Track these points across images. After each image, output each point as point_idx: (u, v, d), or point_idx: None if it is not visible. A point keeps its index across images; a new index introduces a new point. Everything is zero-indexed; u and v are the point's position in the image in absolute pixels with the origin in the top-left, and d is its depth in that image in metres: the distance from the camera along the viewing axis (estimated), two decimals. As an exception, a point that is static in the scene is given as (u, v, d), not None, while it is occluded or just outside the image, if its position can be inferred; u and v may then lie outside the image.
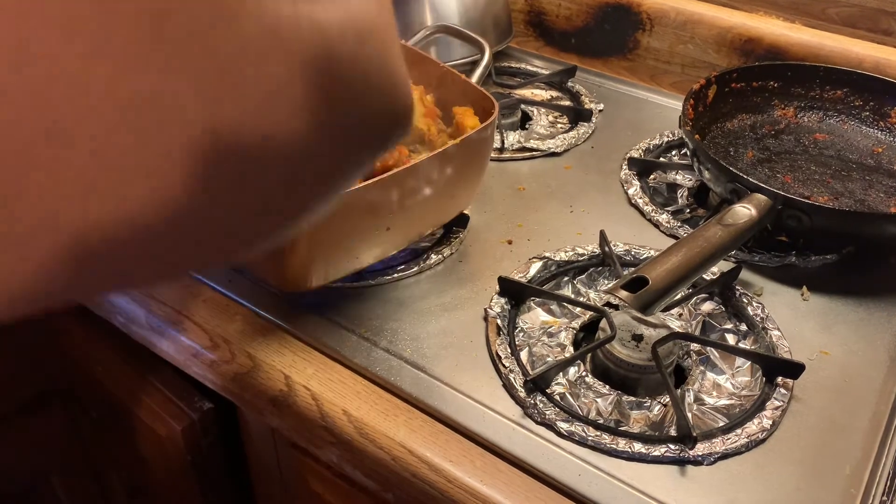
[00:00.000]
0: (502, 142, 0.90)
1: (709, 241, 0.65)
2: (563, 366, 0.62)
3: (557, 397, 0.61)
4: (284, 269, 0.63)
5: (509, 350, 0.64)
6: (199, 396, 0.72)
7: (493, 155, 0.89)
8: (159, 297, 0.69)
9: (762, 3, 0.97)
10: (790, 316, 0.69)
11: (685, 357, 0.66)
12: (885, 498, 0.54)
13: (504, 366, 0.63)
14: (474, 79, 0.78)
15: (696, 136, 0.79)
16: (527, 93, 1.03)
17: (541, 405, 0.59)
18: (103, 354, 0.78)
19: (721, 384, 0.64)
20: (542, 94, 1.04)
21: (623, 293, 0.58)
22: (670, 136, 0.93)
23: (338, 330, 0.66)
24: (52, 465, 0.93)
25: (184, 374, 0.70)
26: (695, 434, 0.57)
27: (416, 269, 0.73)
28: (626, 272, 0.71)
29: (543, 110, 0.99)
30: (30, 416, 0.88)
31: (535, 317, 0.69)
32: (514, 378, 0.61)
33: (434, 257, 0.74)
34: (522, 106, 0.98)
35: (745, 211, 0.69)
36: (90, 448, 0.90)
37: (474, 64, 0.81)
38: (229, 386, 0.65)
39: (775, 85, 0.91)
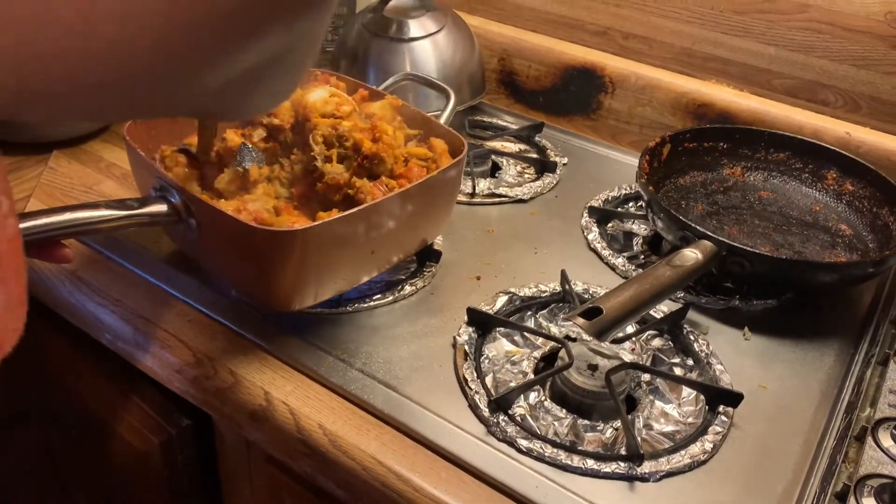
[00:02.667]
0: (474, 187, 0.97)
1: (658, 280, 0.71)
2: (524, 388, 0.68)
3: (518, 418, 0.66)
4: (274, 289, 0.68)
5: (475, 374, 0.69)
6: (177, 412, 0.76)
7: (465, 199, 0.95)
8: (147, 315, 0.73)
9: (714, 72, 1.06)
10: (732, 353, 0.76)
11: (636, 388, 0.71)
12: (812, 516, 0.60)
13: (470, 388, 0.67)
14: (442, 119, 0.85)
15: (651, 188, 0.87)
16: (497, 145, 1.10)
17: (503, 423, 0.64)
18: (84, 371, 0.81)
19: (668, 412, 0.70)
20: (512, 146, 1.11)
21: (580, 320, 0.64)
22: (628, 189, 1.01)
23: (316, 351, 0.70)
24: (20, 482, 0.94)
25: (163, 391, 0.74)
26: (642, 453, 0.62)
27: (390, 298, 0.78)
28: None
29: (512, 161, 1.06)
30: (5, 433, 0.90)
31: (500, 346, 0.75)
32: (479, 399, 0.66)
33: (408, 288, 0.79)
34: (493, 156, 1.05)
35: (691, 255, 0.75)
36: (61, 466, 0.92)
37: (443, 108, 0.88)
38: (211, 400, 0.68)
39: (725, 146, 1.00)
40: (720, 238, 0.77)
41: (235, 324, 0.73)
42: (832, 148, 0.96)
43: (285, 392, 0.67)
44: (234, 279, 0.73)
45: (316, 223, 0.64)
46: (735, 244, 0.77)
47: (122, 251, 0.81)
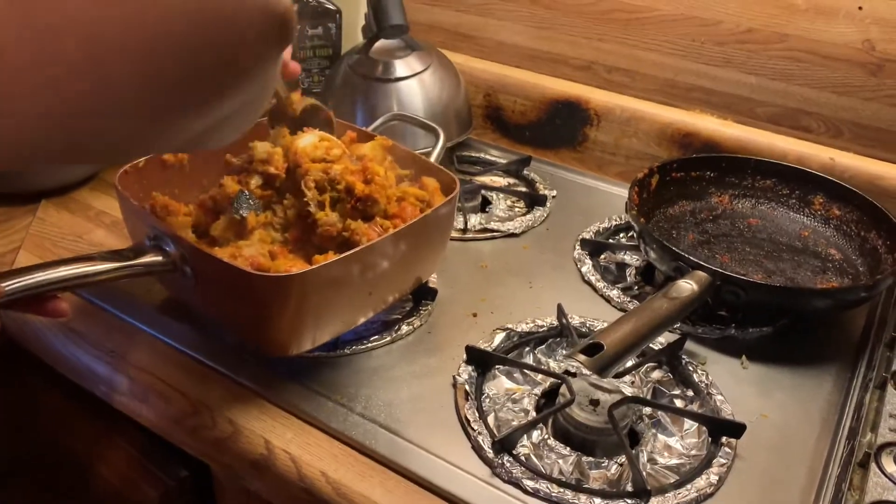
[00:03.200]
0: (465, 223, 0.97)
1: (656, 312, 0.71)
2: (528, 428, 0.67)
3: (523, 458, 0.66)
4: (272, 334, 0.67)
5: (477, 414, 0.69)
6: (175, 463, 0.74)
7: (456, 235, 0.96)
8: (142, 365, 0.73)
9: (698, 102, 1.08)
10: (732, 383, 0.76)
11: (638, 421, 0.71)
12: (821, 546, 0.60)
13: (473, 429, 0.67)
14: (433, 158, 0.85)
15: (642, 220, 0.87)
16: (486, 179, 1.11)
17: (508, 465, 0.64)
18: (78, 424, 0.80)
19: (672, 445, 0.69)
20: (500, 180, 1.12)
21: (581, 357, 0.63)
22: (618, 220, 1.02)
23: (315, 397, 0.70)
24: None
25: (158, 441, 0.73)
26: (649, 489, 0.62)
27: (388, 339, 0.77)
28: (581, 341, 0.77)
29: (502, 195, 1.06)
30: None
31: (500, 384, 0.74)
32: (483, 440, 0.66)
33: (405, 328, 0.79)
34: (483, 191, 1.06)
35: (687, 286, 0.76)
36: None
37: (432, 145, 0.89)
38: (210, 451, 0.67)
39: (711, 175, 1.01)
40: (714, 268, 0.78)
41: (233, 371, 0.72)
42: (817, 174, 0.97)
43: (286, 440, 0.66)
44: (231, 325, 0.72)
45: (313, 267, 0.64)
46: (729, 273, 0.77)
47: (114, 301, 0.80)
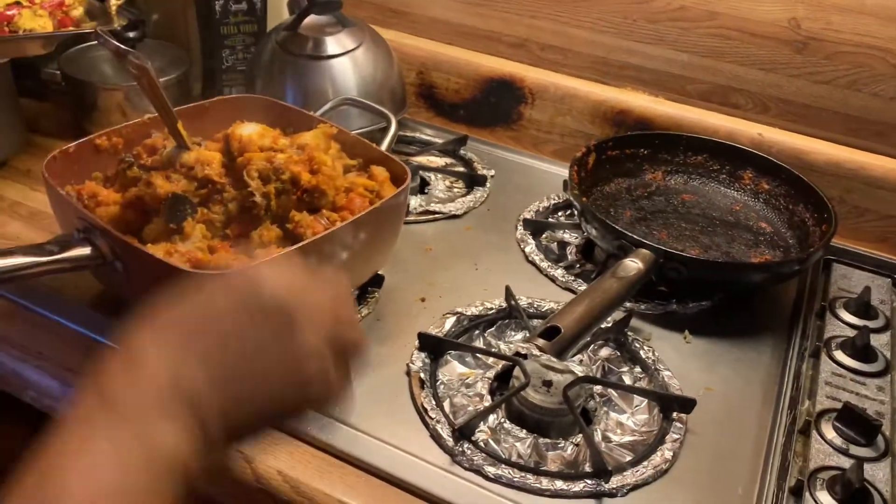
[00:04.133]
0: (407, 205, 0.95)
1: (607, 293, 0.72)
2: (485, 414, 0.67)
3: (482, 444, 0.65)
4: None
5: (434, 402, 0.68)
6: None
7: (398, 218, 0.94)
8: (75, 367, 0.68)
9: (630, 80, 1.09)
10: (677, 357, 0.77)
11: (589, 399, 0.72)
12: (771, 513, 0.62)
13: (430, 417, 0.66)
14: (383, 146, 0.83)
15: (584, 199, 0.88)
16: (423, 160, 1.09)
17: (468, 452, 0.63)
18: (5, 433, 0.75)
19: (623, 422, 0.70)
20: (438, 160, 1.10)
21: (541, 341, 0.63)
22: (556, 198, 1.02)
23: (265, 392, 0.67)
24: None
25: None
26: (610, 469, 0.63)
27: (336, 329, 0.75)
28: (532, 323, 0.77)
29: (440, 175, 1.05)
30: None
31: (453, 369, 0.74)
32: (441, 428, 0.65)
33: (352, 317, 0.77)
34: (420, 172, 1.04)
35: (633, 265, 0.77)
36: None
37: (382, 132, 0.86)
38: (156, 455, 0.64)
39: (645, 152, 1.02)
40: (656, 245, 0.79)
41: (175, 370, 0.69)
42: (747, 149, 1.00)
43: (238, 439, 0.63)
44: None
45: (253, 263, 0.61)
46: (672, 251, 0.79)
47: (38, 298, 0.75)
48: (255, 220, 0.68)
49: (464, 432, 0.65)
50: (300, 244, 0.63)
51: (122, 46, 0.68)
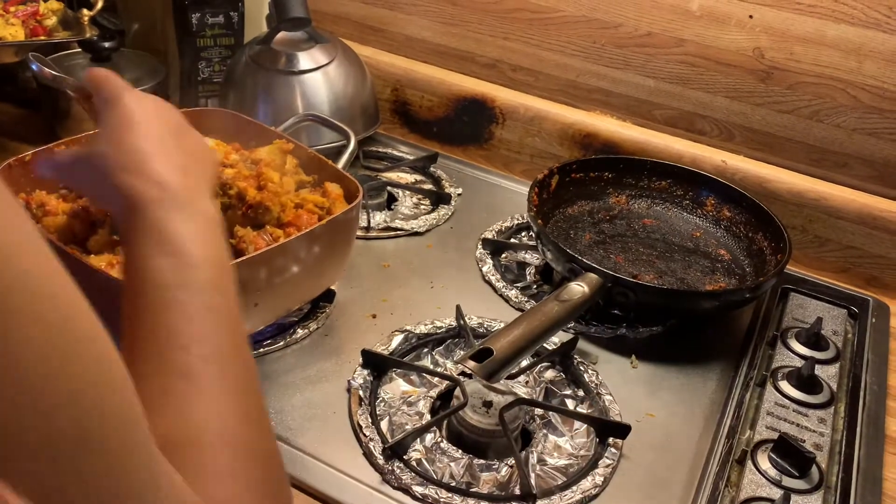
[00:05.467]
0: (369, 221, 0.97)
1: (547, 315, 0.72)
2: (419, 433, 0.67)
3: (414, 463, 0.66)
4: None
5: (370, 419, 0.68)
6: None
7: (360, 233, 0.95)
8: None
9: (598, 103, 1.10)
10: (621, 382, 0.78)
11: (531, 421, 0.72)
12: (698, 542, 0.62)
13: (365, 435, 0.67)
14: (340, 164, 0.84)
15: (540, 222, 0.88)
16: (393, 175, 1.10)
17: (398, 471, 0.64)
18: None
19: (561, 445, 0.71)
20: (407, 177, 1.11)
21: (471, 363, 0.64)
22: (520, 218, 1.03)
23: (203, 404, 0.68)
24: None
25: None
26: (535, 492, 0.63)
27: (282, 343, 0.76)
28: (477, 343, 0.78)
29: (408, 192, 1.06)
30: None
31: (397, 387, 0.74)
32: (374, 446, 0.66)
33: (300, 332, 0.78)
34: (389, 188, 1.05)
35: (578, 288, 0.77)
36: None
37: (342, 149, 0.87)
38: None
39: (609, 175, 1.03)
40: (605, 270, 0.80)
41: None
42: (710, 176, 1.01)
43: (171, 450, 0.64)
44: (114, 335, 0.69)
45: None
46: (619, 276, 0.79)
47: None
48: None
49: (396, 451, 0.65)
50: (237, 260, 0.64)
51: (56, 74, 0.70)
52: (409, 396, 0.73)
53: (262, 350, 0.75)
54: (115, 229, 0.67)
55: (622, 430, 0.70)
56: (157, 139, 0.52)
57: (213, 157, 0.58)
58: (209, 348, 0.42)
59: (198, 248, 0.46)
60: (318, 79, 1.06)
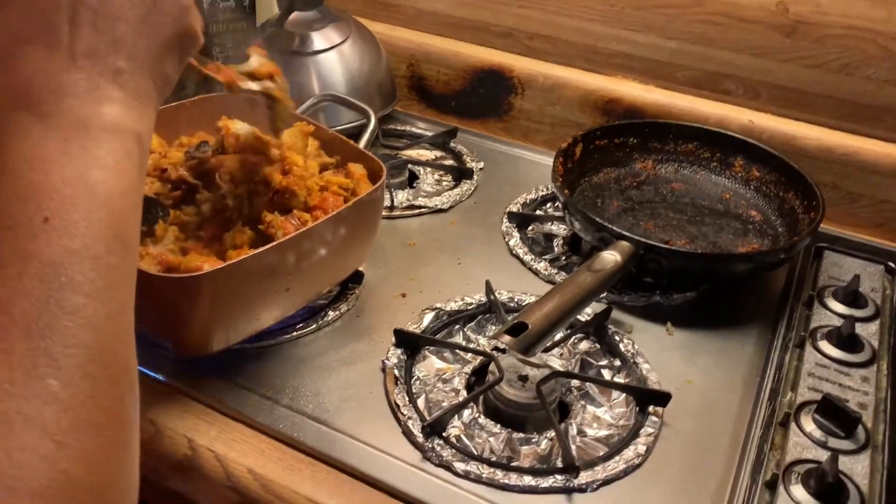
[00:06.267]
0: (392, 200, 0.96)
1: (580, 286, 0.71)
2: (457, 409, 0.67)
3: (454, 439, 0.66)
4: (186, 335, 0.65)
5: (407, 398, 0.68)
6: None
7: (384, 213, 0.94)
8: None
9: (620, 68, 1.08)
10: (658, 350, 0.77)
11: (567, 393, 0.72)
12: (745, 507, 0.61)
13: (403, 413, 0.66)
14: (362, 143, 0.83)
15: (566, 191, 0.87)
16: (413, 153, 1.09)
17: (438, 448, 0.63)
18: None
19: (600, 416, 0.70)
20: (427, 154, 1.10)
21: (506, 338, 0.63)
22: (545, 190, 1.01)
23: (239, 391, 0.68)
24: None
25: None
26: (578, 464, 0.62)
27: (314, 326, 0.76)
28: (510, 318, 0.77)
29: (429, 169, 1.05)
30: None
31: (430, 365, 0.74)
32: (413, 424, 0.65)
33: (332, 314, 0.77)
34: (409, 166, 1.04)
35: (611, 257, 0.76)
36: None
37: (362, 128, 0.86)
38: (132, 454, 0.65)
39: (635, 141, 1.01)
40: (637, 237, 0.78)
41: (152, 368, 0.70)
42: (737, 136, 0.98)
43: (210, 437, 0.64)
44: (143, 326, 0.69)
45: (220, 265, 0.61)
46: (652, 242, 0.78)
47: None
48: (228, 221, 0.69)
49: (435, 428, 0.65)
50: (268, 246, 0.63)
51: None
52: (444, 373, 0.73)
53: (295, 334, 0.74)
54: (142, 219, 0.66)
55: (662, 398, 0.69)
56: None
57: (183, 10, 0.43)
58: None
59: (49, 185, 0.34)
60: (333, 58, 1.05)
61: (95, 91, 0.37)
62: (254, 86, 0.68)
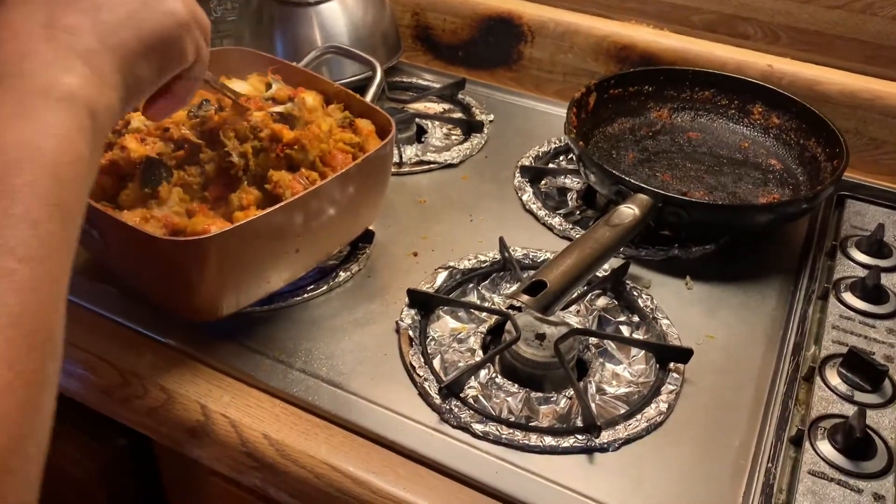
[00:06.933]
0: (400, 156, 0.93)
1: (598, 242, 0.69)
2: (474, 370, 0.66)
3: (471, 400, 0.64)
4: (194, 299, 0.64)
5: (422, 359, 0.67)
6: (111, 432, 0.71)
7: (393, 170, 0.91)
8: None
9: (633, 12, 1.04)
10: (677, 305, 0.75)
11: (585, 350, 0.70)
12: (770, 465, 0.60)
13: (418, 375, 0.65)
14: (368, 97, 0.80)
15: (581, 143, 0.84)
16: (420, 106, 1.06)
17: (456, 409, 0.62)
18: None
19: (619, 373, 0.69)
20: (435, 106, 1.07)
21: (524, 297, 0.61)
22: (557, 142, 0.98)
23: (251, 355, 0.67)
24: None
25: (90, 410, 0.69)
26: (599, 423, 0.61)
27: (325, 287, 0.74)
28: (525, 275, 0.75)
29: (437, 123, 1.02)
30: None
31: (445, 325, 0.72)
32: (429, 386, 0.64)
33: (343, 275, 0.76)
34: (417, 120, 1.01)
35: (629, 211, 0.74)
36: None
37: (367, 81, 0.83)
38: (145, 421, 0.64)
39: (650, 89, 0.98)
40: (655, 189, 0.76)
41: (161, 334, 0.68)
42: (756, 82, 0.95)
43: (223, 403, 0.63)
44: (150, 291, 0.68)
45: (227, 228, 0.59)
46: (670, 195, 0.76)
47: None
48: (233, 181, 0.66)
49: (452, 389, 0.64)
50: (275, 207, 0.61)
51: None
52: (459, 333, 0.71)
53: (306, 296, 0.73)
54: (145, 180, 0.64)
55: (684, 355, 0.67)
56: None
57: None
58: None
59: None
60: (336, 8, 1.01)
61: (60, 62, 0.37)
62: (279, 109, 0.69)
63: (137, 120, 0.68)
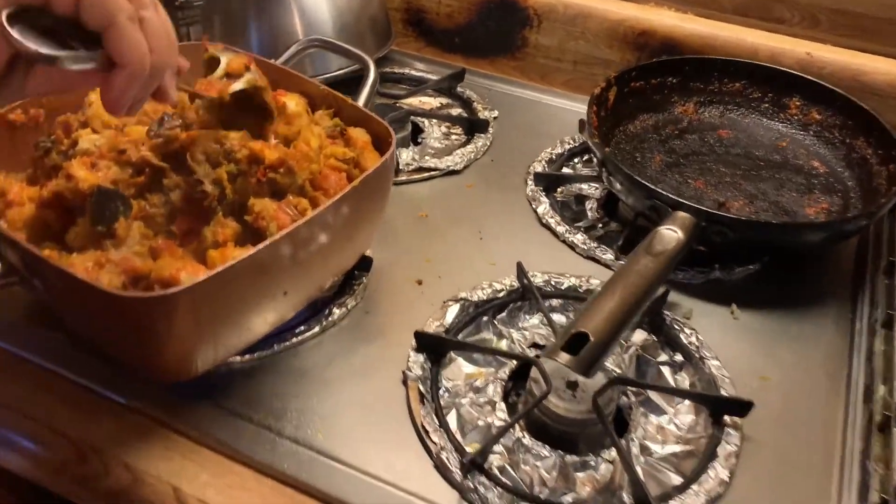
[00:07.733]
0: (397, 164, 0.82)
1: (642, 276, 0.59)
2: (499, 437, 0.55)
3: (496, 471, 0.54)
4: (163, 358, 0.52)
5: (436, 421, 0.56)
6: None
7: (386, 178, 0.80)
8: (3, 400, 0.57)
9: (653, -7, 0.93)
10: (723, 339, 0.65)
11: (621, 396, 0.60)
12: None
13: (433, 442, 0.55)
14: (361, 101, 0.69)
15: (606, 149, 0.74)
16: (414, 101, 0.94)
17: (481, 488, 0.52)
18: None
19: (664, 426, 0.59)
20: (431, 101, 0.95)
21: (564, 356, 0.51)
22: (571, 142, 0.88)
23: (232, 419, 0.56)
24: None
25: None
26: (650, 499, 0.51)
27: (317, 328, 0.63)
28: (548, 304, 0.65)
29: (435, 121, 0.91)
30: None
31: (459, 370, 0.62)
32: (447, 457, 0.54)
33: (337, 311, 0.65)
34: (412, 118, 0.90)
35: (671, 234, 0.64)
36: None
37: (359, 79, 0.72)
38: (105, 505, 0.53)
39: (674, 81, 0.88)
40: (697, 206, 0.66)
41: (124, 395, 0.57)
42: (792, 72, 0.85)
43: (200, 484, 0.52)
44: (109, 349, 0.56)
45: (201, 276, 0.48)
46: (717, 212, 0.66)
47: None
48: (206, 212, 0.55)
49: (475, 462, 0.53)
50: (265, 243, 0.50)
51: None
52: (476, 380, 0.61)
53: (294, 340, 0.62)
54: (97, 217, 0.53)
55: (743, 408, 0.57)
56: None
57: None
58: None
59: None
60: (318, -8, 0.89)
61: None
62: (239, 85, 0.56)
63: (87, 140, 0.56)
